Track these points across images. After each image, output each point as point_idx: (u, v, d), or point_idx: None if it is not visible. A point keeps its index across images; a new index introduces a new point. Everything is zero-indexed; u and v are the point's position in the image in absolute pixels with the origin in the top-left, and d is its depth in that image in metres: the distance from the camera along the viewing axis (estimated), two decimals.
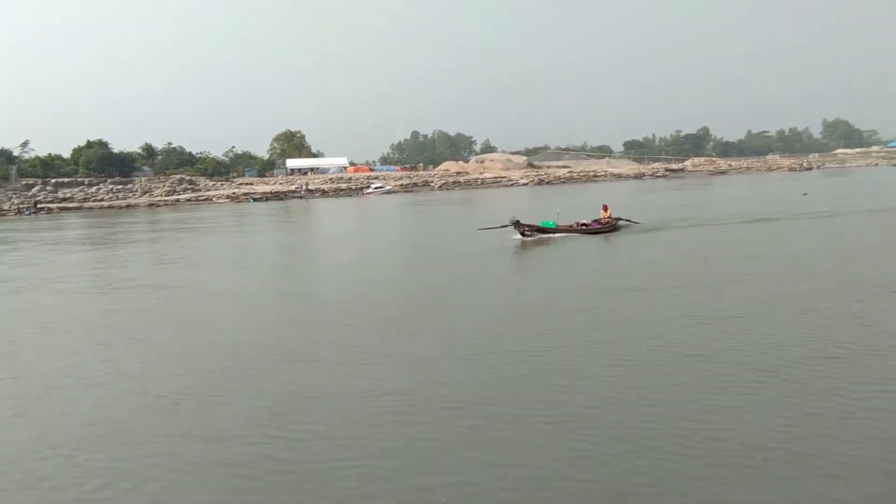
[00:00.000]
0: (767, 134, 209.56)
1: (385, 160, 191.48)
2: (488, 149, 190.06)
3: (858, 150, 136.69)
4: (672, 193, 55.08)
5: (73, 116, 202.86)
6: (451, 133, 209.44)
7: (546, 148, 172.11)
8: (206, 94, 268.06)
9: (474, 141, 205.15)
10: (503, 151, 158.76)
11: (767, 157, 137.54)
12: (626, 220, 25.60)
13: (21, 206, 58.41)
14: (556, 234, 22.81)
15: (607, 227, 24.27)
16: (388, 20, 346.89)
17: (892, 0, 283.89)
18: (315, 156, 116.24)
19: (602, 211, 25.35)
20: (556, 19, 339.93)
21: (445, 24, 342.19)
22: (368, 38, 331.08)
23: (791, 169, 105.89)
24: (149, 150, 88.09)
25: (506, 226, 22.36)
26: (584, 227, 23.97)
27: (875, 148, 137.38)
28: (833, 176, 77.53)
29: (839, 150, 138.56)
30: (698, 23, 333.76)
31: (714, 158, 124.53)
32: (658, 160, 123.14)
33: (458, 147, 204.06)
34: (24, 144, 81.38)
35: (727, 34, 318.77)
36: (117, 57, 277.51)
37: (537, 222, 23.30)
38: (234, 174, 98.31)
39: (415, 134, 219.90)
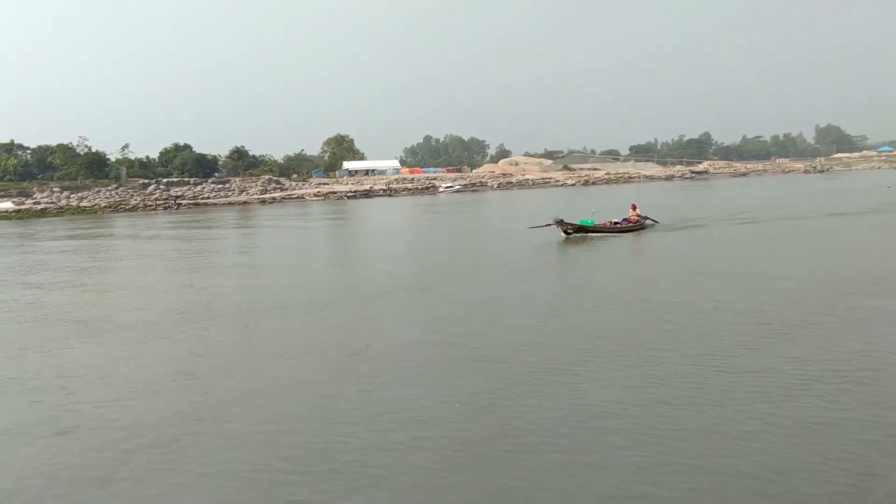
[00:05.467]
0: (762, 139, 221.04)
1: (403, 163, 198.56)
2: (503, 153, 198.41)
3: (859, 154, 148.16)
4: (742, 190, 63.61)
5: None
6: (465, 137, 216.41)
7: (560, 152, 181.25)
8: (205, 97, 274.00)
9: (487, 145, 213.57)
10: (526, 154, 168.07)
11: (777, 160, 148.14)
12: (652, 220, 26.99)
13: (168, 202, 65.91)
14: (594, 233, 24.34)
15: (637, 226, 25.68)
16: (400, 24, 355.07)
17: (880, 11, 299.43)
18: (363, 158, 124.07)
19: (631, 210, 26.55)
20: (564, 32, 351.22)
21: (456, 32, 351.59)
22: (378, 43, 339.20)
23: (806, 171, 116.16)
24: (238, 154, 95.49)
25: (550, 224, 23.86)
26: (617, 226, 25.37)
27: (873, 152, 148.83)
28: (842, 177, 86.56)
29: (842, 155, 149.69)
30: (698, 35, 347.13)
31: (731, 161, 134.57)
32: (680, 163, 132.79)
33: (471, 151, 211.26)
34: (125, 148, 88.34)
35: (723, 45, 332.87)
36: (118, 58, 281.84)
37: (576, 221, 24.76)
38: (296, 175, 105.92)
39: (427, 138, 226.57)
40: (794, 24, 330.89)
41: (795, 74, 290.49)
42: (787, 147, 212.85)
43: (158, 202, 66.07)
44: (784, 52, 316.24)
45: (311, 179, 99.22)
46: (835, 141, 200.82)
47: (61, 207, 63.36)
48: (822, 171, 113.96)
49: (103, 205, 65.23)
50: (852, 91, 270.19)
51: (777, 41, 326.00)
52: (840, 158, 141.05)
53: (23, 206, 61.82)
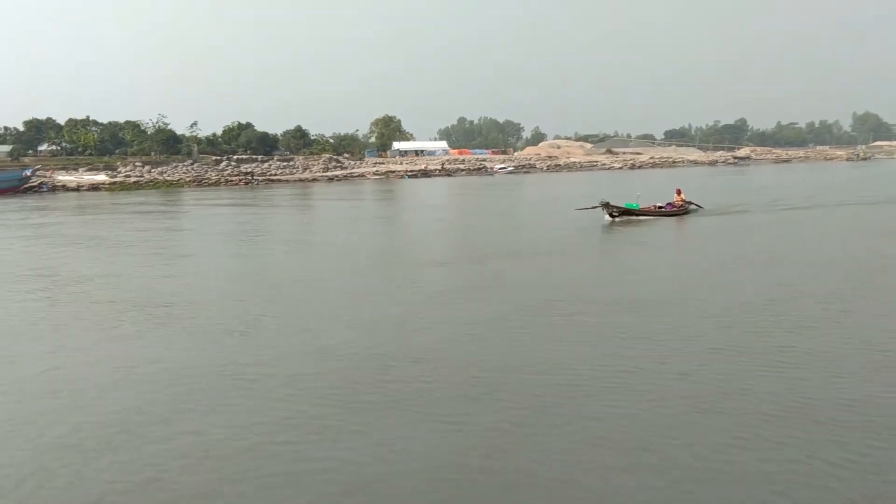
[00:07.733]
0: (796, 125, 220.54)
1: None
2: (539, 136, 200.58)
3: None
4: (801, 175, 65.74)
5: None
6: (499, 119, 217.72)
7: (595, 135, 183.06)
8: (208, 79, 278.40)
9: (522, 128, 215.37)
10: (556, 137, 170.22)
11: (817, 147, 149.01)
12: (696, 205, 27.40)
13: (247, 178, 69.78)
14: (640, 217, 24.81)
15: (681, 211, 26.15)
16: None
17: None
18: (408, 139, 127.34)
19: (676, 195, 26.98)
20: (595, 15, 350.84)
21: (484, 15, 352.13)
22: (406, 22, 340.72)
23: (848, 159, 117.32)
24: (300, 133, 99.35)
25: (596, 207, 24.25)
26: (661, 210, 25.80)
27: None
28: (889, 165, 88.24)
29: (883, 143, 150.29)
30: (733, 19, 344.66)
31: (770, 148, 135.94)
32: (721, 148, 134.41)
33: (506, 133, 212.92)
34: (193, 125, 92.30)
35: (758, 31, 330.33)
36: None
37: (622, 204, 25.10)
38: (348, 155, 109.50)
39: (461, 120, 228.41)
40: (826, 11, 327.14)
41: (831, 61, 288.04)
42: (822, 134, 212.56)
43: (239, 178, 69.78)
44: (822, 39, 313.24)
45: (366, 159, 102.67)
46: (872, 129, 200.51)
47: (150, 181, 67.29)
48: (865, 159, 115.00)
49: (187, 179, 69.08)
50: (889, 78, 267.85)
51: (813, 27, 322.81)
52: (881, 147, 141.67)
53: (117, 179, 65.83)
